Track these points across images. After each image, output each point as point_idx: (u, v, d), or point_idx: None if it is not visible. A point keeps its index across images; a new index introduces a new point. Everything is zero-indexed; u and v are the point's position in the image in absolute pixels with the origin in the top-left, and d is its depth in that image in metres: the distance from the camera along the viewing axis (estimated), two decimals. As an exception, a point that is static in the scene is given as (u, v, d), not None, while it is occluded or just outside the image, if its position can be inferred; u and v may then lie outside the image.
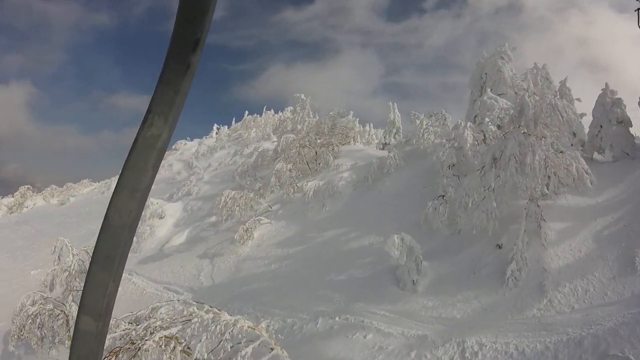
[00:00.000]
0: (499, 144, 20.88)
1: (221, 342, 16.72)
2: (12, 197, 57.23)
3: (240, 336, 16.66)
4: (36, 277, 29.27)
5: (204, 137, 60.57)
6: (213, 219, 32.80)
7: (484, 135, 24.47)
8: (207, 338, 16.68)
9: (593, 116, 25.70)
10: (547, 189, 20.42)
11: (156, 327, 15.18)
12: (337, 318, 20.18)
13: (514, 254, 19.14)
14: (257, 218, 29.56)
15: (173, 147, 58.14)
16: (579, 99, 27.28)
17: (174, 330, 15.61)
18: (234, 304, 23.78)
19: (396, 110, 34.40)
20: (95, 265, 1.05)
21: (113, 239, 1.04)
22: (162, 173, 48.97)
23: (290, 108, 41.52)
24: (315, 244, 26.68)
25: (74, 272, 24.32)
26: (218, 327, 16.86)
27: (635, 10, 23.34)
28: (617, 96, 25.36)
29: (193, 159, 49.64)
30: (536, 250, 19.78)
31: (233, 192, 31.29)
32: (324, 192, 29.69)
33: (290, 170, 31.52)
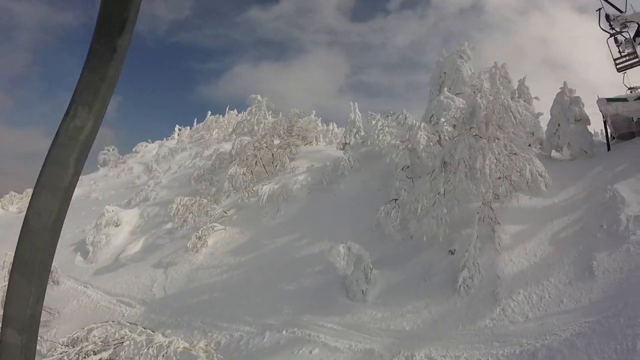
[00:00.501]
0: (449, 146, 19.44)
1: (154, 366, 15.53)
2: (-33, 206, 53.45)
3: (175, 358, 15.62)
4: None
5: (165, 138, 58.27)
6: (169, 225, 31.03)
7: (439, 136, 22.95)
8: (140, 361, 15.51)
9: (551, 114, 25.03)
10: (499, 194, 18.84)
11: (88, 351, 14.89)
12: (284, 332, 18.96)
13: (466, 261, 17.71)
14: (210, 225, 27.77)
15: (133, 149, 55.96)
16: (537, 98, 26.79)
17: (104, 355, 15.03)
18: (184, 316, 22.73)
19: (357, 110, 32.85)
20: (16, 273, 0.95)
21: (33, 244, 0.94)
22: (122, 177, 46.89)
23: (249, 109, 39.73)
24: (268, 251, 25.14)
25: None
26: (151, 349, 15.66)
27: (597, 10, 22.55)
28: (575, 94, 24.58)
29: (153, 162, 47.27)
30: (490, 255, 18.37)
31: (185, 198, 29.49)
32: (278, 196, 28.03)
33: (244, 174, 29.75)
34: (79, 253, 33.56)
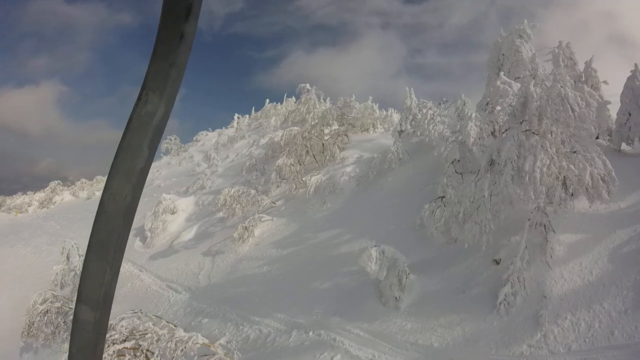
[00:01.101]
0: (497, 143, 16.82)
1: (173, 359, 15.26)
2: (43, 192, 55.77)
3: (193, 353, 15.25)
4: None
5: (224, 127, 57.29)
6: (221, 214, 30.24)
7: (494, 127, 20.22)
8: (159, 353, 15.20)
9: (621, 102, 21.28)
10: (552, 200, 16.04)
11: (115, 339, 15.18)
12: (310, 333, 17.75)
13: (510, 275, 15.32)
14: (258, 216, 26.63)
15: (194, 138, 56.29)
16: (605, 82, 23.14)
17: (128, 345, 15.30)
18: (222, 307, 22.15)
19: (412, 95, 30.08)
20: (91, 254, 0.96)
21: (108, 226, 0.95)
22: (184, 165, 46.92)
23: (299, 99, 38.04)
24: (309, 245, 23.74)
25: (79, 272, 24.08)
26: (170, 343, 15.52)
27: None
28: None
29: (211, 151, 46.45)
30: (539, 269, 15.88)
31: (233, 189, 28.45)
32: (324, 189, 26.35)
33: (291, 165, 28.24)
34: (138, 238, 33.67)
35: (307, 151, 29.80)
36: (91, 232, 0.96)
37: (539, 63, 23.10)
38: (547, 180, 15.35)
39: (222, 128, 56.98)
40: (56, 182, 56.17)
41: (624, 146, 21.63)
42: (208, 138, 54.99)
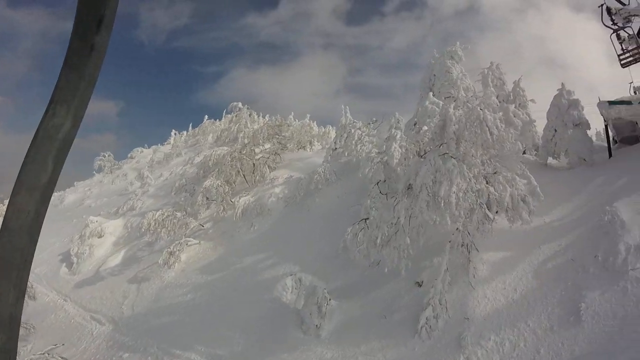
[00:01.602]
0: (414, 167, 15.86)
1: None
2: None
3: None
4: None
5: (160, 144, 54.13)
6: (149, 237, 28.14)
7: (419, 148, 19.29)
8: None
9: (547, 119, 21.73)
10: (467, 228, 15.13)
11: None
12: None
13: (431, 298, 14.21)
14: (184, 240, 24.85)
15: (129, 155, 52.64)
16: (532, 100, 23.57)
17: None
18: (143, 339, 20.50)
19: (348, 114, 29.15)
20: None
21: (12, 243, 0.89)
22: (117, 183, 43.88)
23: (229, 117, 36.50)
24: (234, 270, 22.19)
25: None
26: None
27: (599, 7, 19.74)
28: (574, 97, 21.09)
29: (145, 169, 43.72)
30: (461, 290, 14.89)
31: (157, 213, 26.51)
32: (252, 210, 24.86)
33: (217, 187, 26.55)
34: (64, 264, 31.10)
35: (238, 171, 28.21)
36: None
37: (466, 84, 22.65)
38: (463, 205, 14.39)
39: (158, 145, 54.04)
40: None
41: (550, 160, 21.81)
42: (143, 155, 51.66)
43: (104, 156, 50.07)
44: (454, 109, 15.49)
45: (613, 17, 19.18)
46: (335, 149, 27.79)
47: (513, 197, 14.92)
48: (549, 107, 21.64)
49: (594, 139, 25.35)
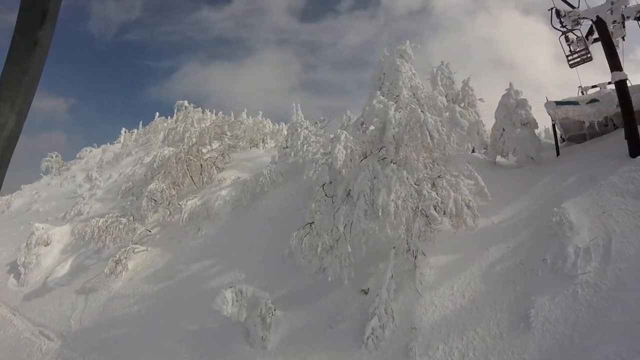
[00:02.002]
0: (353, 172, 14.86)
1: None
2: None
3: None
4: None
5: (109, 143, 51.31)
6: (94, 245, 26.47)
7: (364, 149, 18.28)
8: None
9: (496, 118, 21.33)
10: (407, 238, 14.18)
11: None
12: None
13: (376, 307, 13.27)
14: (131, 247, 23.41)
15: (77, 155, 49.56)
16: (481, 99, 23.47)
17: None
18: (91, 355, 19.29)
19: (299, 112, 28.07)
20: None
21: None
22: (65, 186, 41.37)
23: (175, 116, 34.73)
24: (180, 279, 20.97)
25: None
26: None
27: (549, 10, 19.14)
28: (521, 96, 20.76)
29: (93, 170, 41.23)
30: (408, 297, 14.03)
31: (101, 220, 24.86)
32: (198, 214, 23.53)
33: (162, 191, 25.09)
34: (12, 275, 29.09)
35: (185, 173, 26.75)
36: None
37: (415, 83, 21.72)
38: (403, 213, 13.46)
39: (107, 144, 51.07)
40: None
41: (499, 159, 21.43)
42: (92, 155, 48.69)
43: (52, 157, 46.76)
44: (395, 111, 14.51)
45: (562, 19, 18.83)
46: (286, 147, 26.62)
47: (457, 202, 14.08)
48: (496, 106, 21.25)
49: (542, 136, 25.12)
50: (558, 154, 20.22)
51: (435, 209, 13.93)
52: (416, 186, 13.96)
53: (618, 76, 16.45)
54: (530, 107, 20.39)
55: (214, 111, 38.78)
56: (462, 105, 23.21)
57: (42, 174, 46.72)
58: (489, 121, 21.93)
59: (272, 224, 20.66)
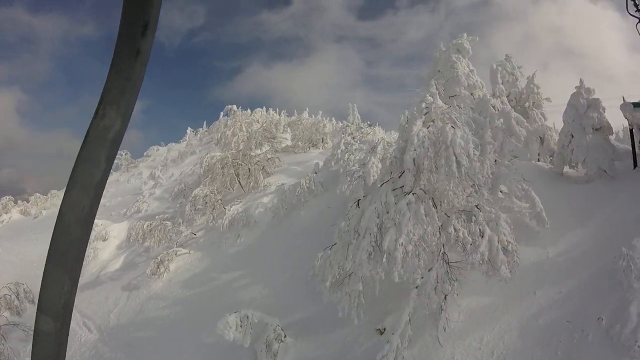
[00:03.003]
0: (367, 201, 12.53)
1: None
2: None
3: None
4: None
5: (173, 142, 50.74)
6: (148, 242, 26.16)
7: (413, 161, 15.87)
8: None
9: (564, 121, 17.81)
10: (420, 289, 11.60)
11: None
12: None
13: (385, 355, 10.89)
14: (173, 250, 22.68)
15: (145, 153, 49.93)
16: (548, 99, 20.09)
17: None
18: (119, 353, 19.26)
19: (356, 112, 25.85)
20: (50, 263, 0.91)
21: (67, 236, 0.90)
22: (132, 182, 41.70)
23: (224, 120, 33.47)
24: (211, 288, 20.10)
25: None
26: None
27: None
28: (593, 96, 17.07)
29: (157, 168, 40.82)
30: (427, 346, 11.62)
31: (146, 223, 24.28)
32: (239, 221, 22.15)
33: (207, 195, 23.92)
34: (73, 265, 29.79)
35: (232, 178, 25.49)
36: (50, 242, 0.88)
37: (472, 81, 18.88)
38: (412, 262, 10.97)
39: (173, 143, 50.68)
40: (7, 197, 46.25)
41: (567, 169, 17.99)
42: (159, 153, 48.38)
43: (121, 154, 47.61)
44: (423, 125, 11.99)
45: (638, 4, 15.25)
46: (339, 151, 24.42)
47: (492, 243, 11.20)
48: (565, 107, 17.82)
49: (619, 135, 21.18)
50: (636, 165, 16.71)
51: (464, 250, 11.24)
52: (447, 217, 11.37)
53: None
54: (603, 109, 16.85)
55: (277, 110, 37.50)
56: (527, 105, 19.98)
57: (112, 171, 47.35)
58: (559, 122, 18.54)
59: (306, 238, 18.82)
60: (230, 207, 23.09)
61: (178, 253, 23.01)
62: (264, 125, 30.70)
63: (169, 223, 23.58)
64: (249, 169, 25.39)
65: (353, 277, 11.84)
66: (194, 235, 24.12)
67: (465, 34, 20.32)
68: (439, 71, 20.29)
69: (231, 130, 30.33)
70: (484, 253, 11.04)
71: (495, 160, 14.73)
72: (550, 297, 11.71)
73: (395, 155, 12.45)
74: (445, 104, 16.01)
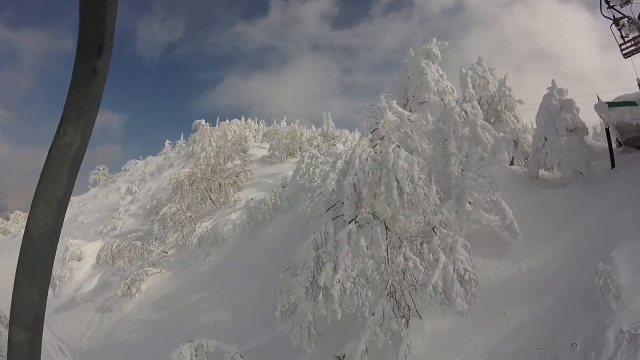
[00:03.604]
0: (314, 228, 11.49)
1: None
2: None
3: None
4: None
5: (151, 156, 48.72)
6: (119, 262, 25.06)
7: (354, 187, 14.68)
8: None
9: (537, 124, 17.27)
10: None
11: None
12: None
13: (339, 389, 9.84)
14: (144, 270, 21.67)
15: (123, 167, 48.21)
16: (520, 101, 19.50)
17: None
18: None
19: (330, 120, 24.92)
20: (20, 276, 0.90)
21: (34, 250, 0.89)
22: (110, 198, 40.32)
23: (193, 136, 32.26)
24: (178, 310, 19.18)
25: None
26: None
27: None
28: (567, 96, 16.36)
29: (135, 183, 39.25)
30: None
31: (115, 243, 23.23)
32: (207, 239, 21.06)
33: (174, 213, 22.81)
34: (50, 286, 28.55)
35: (203, 193, 24.39)
36: (19, 256, 0.88)
37: (442, 87, 17.95)
38: (349, 299, 9.94)
39: (151, 156, 48.84)
40: (-14, 217, 44.56)
41: (542, 172, 17.35)
42: (137, 167, 46.65)
43: (99, 170, 45.85)
44: (369, 146, 10.89)
45: (610, 1, 14.73)
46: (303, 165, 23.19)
47: (447, 271, 10.13)
48: (537, 110, 17.03)
49: (596, 132, 20.32)
50: (613, 165, 15.99)
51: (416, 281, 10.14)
52: (400, 242, 10.26)
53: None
54: (577, 110, 16.04)
55: (255, 120, 36.37)
56: (499, 108, 19.12)
57: (90, 186, 45.99)
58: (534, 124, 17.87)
59: (272, 256, 17.71)
60: (200, 223, 21.94)
61: (149, 273, 22.00)
62: (232, 139, 29.50)
63: (138, 243, 22.52)
64: (220, 183, 24.29)
65: (302, 308, 10.75)
66: (166, 254, 23.03)
67: (434, 39, 19.50)
68: (408, 78, 19.39)
69: (200, 145, 29.22)
70: (437, 284, 9.93)
71: (462, 171, 13.76)
72: (520, 318, 10.70)
73: (338, 179, 11.30)
74: (411, 112, 15.04)
